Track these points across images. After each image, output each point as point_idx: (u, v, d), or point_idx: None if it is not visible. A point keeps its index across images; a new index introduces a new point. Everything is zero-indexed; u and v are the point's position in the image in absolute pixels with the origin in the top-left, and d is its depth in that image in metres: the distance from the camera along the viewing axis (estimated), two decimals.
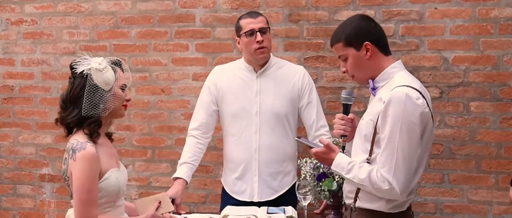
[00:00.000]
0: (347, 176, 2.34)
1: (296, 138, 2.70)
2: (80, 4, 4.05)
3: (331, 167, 2.42)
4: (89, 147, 2.31)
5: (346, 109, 2.57)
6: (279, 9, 3.79)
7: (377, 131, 2.29)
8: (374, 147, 2.31)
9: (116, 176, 2.41)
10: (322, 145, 2.44)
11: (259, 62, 3.16)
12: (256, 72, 3.18)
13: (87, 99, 2.34)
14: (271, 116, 3.14)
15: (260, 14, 3.16)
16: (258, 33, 3.07)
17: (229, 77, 3.22)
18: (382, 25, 3.58)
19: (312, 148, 2.48)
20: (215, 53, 3.89)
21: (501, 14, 3.52)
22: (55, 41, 4.10)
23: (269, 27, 3.15)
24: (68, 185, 2.40)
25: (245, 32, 3.09)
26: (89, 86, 2.35)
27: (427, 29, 3.62)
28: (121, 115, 2.51)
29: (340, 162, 2.37)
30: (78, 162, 2.30)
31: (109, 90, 2.37)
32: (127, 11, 3.99)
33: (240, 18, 3.18)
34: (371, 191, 2.29)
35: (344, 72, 2.45)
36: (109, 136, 2.58)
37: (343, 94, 2.57)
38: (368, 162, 2.32)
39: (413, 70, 3.63)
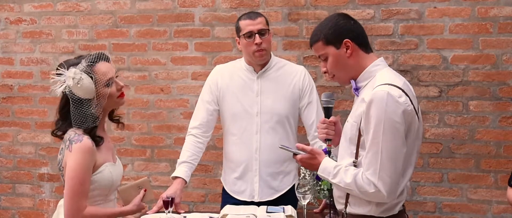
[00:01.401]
0: (334, 181, 2.28)
1: (279, 146, 2.61)
2: (79, 3, 4.04)
3: (318, 172, 2.35)
4: (86, 139, 2.33)
5: (327, 112, 2.52)
6: (278, 8, 3.79)
7: (361, 133, 2.23)
8: (359, 150, 2.25)
9: (110, 170, 2.42)
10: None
11: (259, 63, 3.15)
12: (257, 73, 3.17)
13: (75, 115, 2.35)
14: (272, 116, 3.13)
15: (260, 15, 3.14)
16: (256, 35, 3.06)
17: (230, 77, 3.22)
18: (381, 24, 3.65)
19: (297, 154, 2.43)
20: (214, 52, 3.89)
21: (500, 13, 3.52)
22: (54, 41, 4.10)
23: (269, 29, 3.14)
24: (62, 175, 2.42)
25: (244, 34, 3.09)
26: (73, 101, 2.35)
27: (426, 28, 3.62)
28: (119, 104, 2.51)
29: (326, 167, 2.31)
30: (73, 153, 2.31)
31: (93, 97, 2.35)
32: (126, 10, 3.99)
33: (239, 19, 3.17)
34: (358, 195, 2.23)
35: (324, 72, 2.39)
36: (117, 120, 2.59)
37: (323, 97, 2.53)
38: (354, 165, 2.26)
39: (412, 69, 3.64)
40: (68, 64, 2.38)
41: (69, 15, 4.07)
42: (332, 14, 2.47)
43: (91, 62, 2.37)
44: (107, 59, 2.42)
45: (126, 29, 4.00)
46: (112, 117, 2.58)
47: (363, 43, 2.33)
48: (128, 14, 3.99)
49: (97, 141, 2.39)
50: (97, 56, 2.39)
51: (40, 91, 4.16)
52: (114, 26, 4.02)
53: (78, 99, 2.34)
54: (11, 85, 4.20)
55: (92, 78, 2.34)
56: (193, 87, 3.92)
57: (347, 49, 2.29)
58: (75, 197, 2.31)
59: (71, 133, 2.36)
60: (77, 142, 2.32)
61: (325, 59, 2.34)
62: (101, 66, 2.38)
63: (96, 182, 2.38)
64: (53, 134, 2.47)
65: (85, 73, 2.34)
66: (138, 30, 3.99)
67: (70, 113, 2.37)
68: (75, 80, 2.32)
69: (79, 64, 2.37)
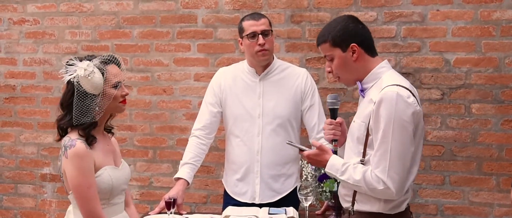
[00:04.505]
0: (342, 178, 2.32)
1: (287, 142, 2.68)
2: (82, 4, 4.05)
3: (325, 169, 2.39)
4: (79, 143, 2.32)
5: (333, 113, 2.56)
6: (281, 10, 3.80)
7: (369, 132, 2.27)
8: (367, 149, 2.29)
9: (110, 173, 2.40)
10: (314, 148, 2.42)
11: (261, 64, 3.16)
12: (259, 75, 3.18)
13: (77, 107, 2.33)
14: (274, 118, 3.14)
15: (263, 16, 3.16)
16: (260, 35, 3.07)
17: (233, 79, 3.22)
18: (384, 26, 3.65)
19: (304, 150, 2.47)
20: (217, 54, 3.89)
21: (503, 16, 3.52)
22: (57, 41, 4.11)
23: (272, 30, 3.15)
24: (63, 181, 2.41)
25: (247, 35, 3.09)
26: (78, 93, 2.33)
27: (429, 31, 3.62)
28: (119, 111, 2.50)
29: (334, 163, 2.35)
30: (70, 160, 2.31)
31: (99, 94, 2.35)
32: (129, 11, 4.00)
33: (243, 19, 3.18)
34: (366, 192, 2.27)
35: (328, 72, 2.43)
36: (109, 130, 2.57)
37: (329, 99, 2.56)
38: (362, 164, 2.30)
39: (415, 72, 3.64)
40: (80, 59, 2.39)
41: (72, 15, 4.07)
42: (341, 16, 2.50)
43: (104, 61, 2.39)
44: (118, 64, 2.44)
45: (129, 30, 4.01)
46: (105, 125, 2.54)
47: (370, 48, 2.37)
48: (131, 15, 4.00)
49: (90, 140, 2.37)
50: (110, 58, 2.41)
51: (42, 91, 4.16)
52: (117, 27, 4.02)
53: (84, 92, 2.33)
54: (14, 85, 4.21)
55: (103, 75, 2.35)
56: (196, 88, 3.93)
57: (353, 53, 2.33)
58: (89, 203, 2.31)
59: (66, 139, 2.36)
60: (71, 147, 2.31)
61: (331, 60, 2.38)
62: (113, 68, 2.40)
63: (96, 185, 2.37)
64: (59, 128, 2.43)
65: (97, 68, 2.35)
66: (141, 31, 3.99)
67: (72, 105, 2.34)
68: (86, 72, 2.31)
69: (93, 60, 2.38)
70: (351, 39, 2.32)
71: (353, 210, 2.37)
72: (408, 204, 2.39)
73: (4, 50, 4.20)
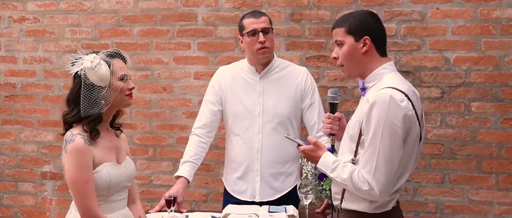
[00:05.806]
0: (331, 175, 2.36)
1: (285, 136, 2.71)
2: (82, 2, 4.05)
3: (317, 165, 2.44)
4: (78, 138, 2.33)
5: (333, 108, 2.60)
6: (281, 8, 3.80)
7: (362, 132, 2.30)
8: (359, 148, 2.32)
9: (109, 170, 2.40)
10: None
11: (261, 62, 3.16)
12: (259, 74, 3.18)
13: (84, 99, 2.35)
14: (274, 117, 3.14)
15: (263, 14, 3.16)
16: (260, 33, 3.07)
17: (233, 78, 3.23)
18: (384, 25, 3.63)
19: (300, 145, 2.51)
20: (217, 52, 3.90)
21: (502, 14, 3.53)
22: (57, 39, 4.11)
23: (272, 27, 3.16)
24: (64, 175, 2.42)
25: (247, 32, 3.10)
26: (85, 85, 2.35)
27: (429, 30, 3.62)
28: (126, 105, 2.52)
29: (325, 160, 2.39)
30: (69, 155, 2.32)
31: (105, 86, 2.36)
32: (129, 10, 4.00)
33: (243, 17, 3.18)
34: (352, 191, 2.30)
35: (334, 58, 2.44)
36: (117, 127, 2.58)
37: (330, 93, 2.60)
38: (353, 162, 2.33)
39: (415, 71, 3.64)
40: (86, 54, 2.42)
41: (72, 14, 4.08)
42: (364, 10, 2.57)
43: (110, 55, 2.42)
44: (124, 60, 2.47)
45: (129, 28, 4.01)
46: (113, 123, 2.56)
47: (381, 46, 2.40)
48: (131, 13, 4.00)
49: (94, 134, 2.38)
50: (117, 52, 2.44)
51: (43, 89, 4.17)
52: (117, 25, 4.03)
53: (91, 84, 2.35)
54: (14, 83, 4.21)
55: (109, 67, 2.37)
56: (196, 86, 3.93)
57: (364, 46, 2.35)
58: (84, 198, 2.32)
59: (68, 133, 2.37)
60: (70, 142, 2.32)
61: (340, 45, 2.40)
62: (119, 62, 2.43)
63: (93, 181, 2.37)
64: (65, 123, 2.43)
65: (104, 61, 2.37)
66: (141, 29, 4.00)
67: (79, 99, 2.36)
68: (93, 64, 2.34)
69: (99, 53, 2.40)
70: (366, 32, 2.35)
71: (341, 208, 2.42)
72: (397, 201, 2.41)
73: (4, 49, 4.20)
